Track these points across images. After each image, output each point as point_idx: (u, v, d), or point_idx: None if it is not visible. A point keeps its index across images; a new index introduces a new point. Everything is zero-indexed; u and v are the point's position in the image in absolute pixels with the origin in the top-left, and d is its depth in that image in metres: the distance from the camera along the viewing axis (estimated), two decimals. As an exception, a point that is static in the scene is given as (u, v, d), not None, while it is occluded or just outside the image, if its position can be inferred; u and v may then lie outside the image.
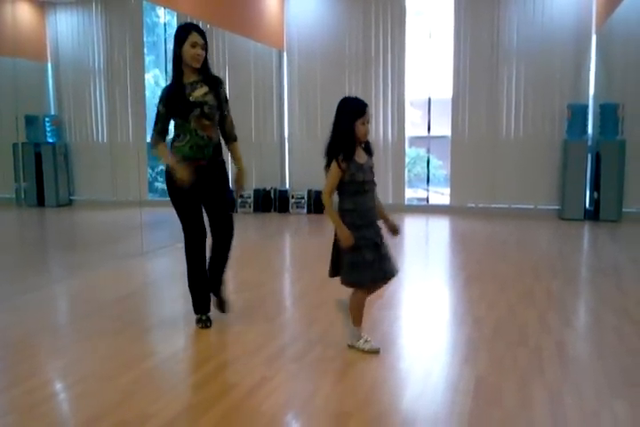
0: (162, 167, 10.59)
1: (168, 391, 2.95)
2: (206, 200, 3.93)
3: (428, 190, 9.68)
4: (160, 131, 3.93)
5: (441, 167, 10.84)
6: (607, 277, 5.17)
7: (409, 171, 9.75)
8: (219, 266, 4.08)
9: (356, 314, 3.45)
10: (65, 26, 9.85)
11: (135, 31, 9.65)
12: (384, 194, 9.36)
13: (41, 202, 9.06)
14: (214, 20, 8.19)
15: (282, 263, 6.27)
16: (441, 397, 2.90)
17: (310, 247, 6.70)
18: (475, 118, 9.03)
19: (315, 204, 9.02)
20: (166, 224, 8.76)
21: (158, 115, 3.90)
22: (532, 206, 8.90)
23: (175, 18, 9.77)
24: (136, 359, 3.37)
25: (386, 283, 3.43)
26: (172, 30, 10.01)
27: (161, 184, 10.67)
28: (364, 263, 3.27)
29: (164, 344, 3.70)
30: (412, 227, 8.32)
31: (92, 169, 9.82)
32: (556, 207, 8.68)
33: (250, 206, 9.42)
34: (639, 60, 7.94)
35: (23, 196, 8.17)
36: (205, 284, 4.00)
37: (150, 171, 10.23)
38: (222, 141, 4.01)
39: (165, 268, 5.98)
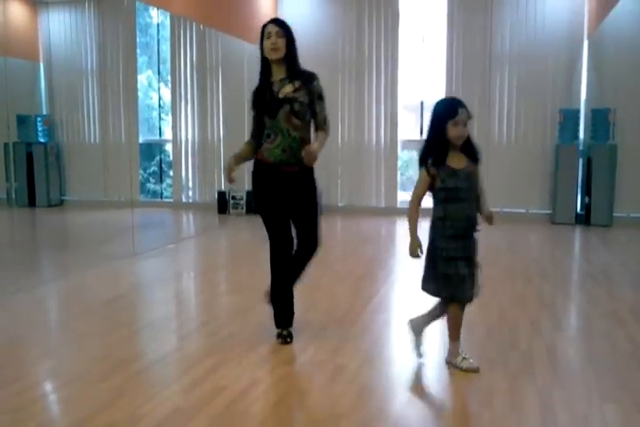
0: (154, 168, 10.59)
1: (158, 393, 2.93)
2: (294, 210, 3.62)
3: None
4: (252, 133, 3.73)
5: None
6: (598, 282, 5.19)
7: (401, 174, 9.76)
8: (290, 283, 3.77)
9: (453, 329, 3.22)
10: (57, 25, 9.82)
11: (128, 32, 9.63)
12: (377, 197, 9.39)
13: (32, 202, 9.01)
14: (207, 21, 8.19)
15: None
16: (431, 399, 2.90)
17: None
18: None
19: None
20: (157, 225, 8.75)
21: (252, 118, 3.69)
22: (523, 211, 8.92)
23: (168, 18, 9.77)
24: (126, 361, 3.35)
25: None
26: (165, 31, 10.01)
27: (152, 185, 10.65)
28: (458, 277, 3.08)
29: (154, 346, 3.68)
30: (405, 230, 8.31)
31: (83, 169, 9.79)
32: (548, 212, 8.71)
33: (242, 208, 9.41)
34: (630, 66, 7.99)
35: (14, 196, 8.13)
36: (289, 297, 3.73)
37: (142, 172, 10.20)
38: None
39: (156, 269, 5.96)
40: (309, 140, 3.59)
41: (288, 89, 3.53)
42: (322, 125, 3.63)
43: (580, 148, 8.45)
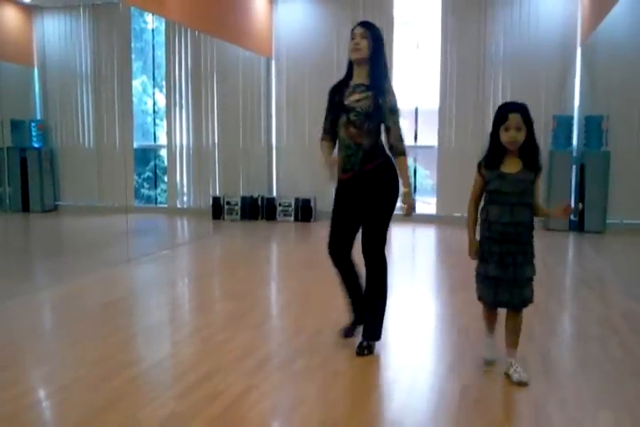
0: (149, 174, 10.58)
1: (153, 399, 2.93)
2: (358, 218, 3.53)
3: (414, 200, 9.67)
4: (324, 128, 3.65)
5: (428, 177, 10.89)
6: (591, 288, 5.21)
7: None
8: (366, 297, 3.66)
9: (486, 327, 3.38)
10: (52, 30, 9.83)
11: (123, 37, 9.64)
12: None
13: (26, 207, 9.00)
14: (203, 27, 8.21)
15: (268, 271, 6.26)
16: (426, 405, 2.91)
17: (297, 255, 6.70)
18: (461, 129, 9.09)
19: (301, 211, 9.03)
20: (152, 231, 8.74)
21: (326, 110, 3.64)
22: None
23: (163, 24, 9.78)
24: (122, 366, 3.35)
25: (513, 313, 3.19)
26: (160, 37, 10.03)
27: (147, 191, 10.64)
28: (486, 278, 3.14)
29: (149, 351, 3.68)
30: (399, 236, 8.34)
31: (77, 175, 9.79)
32: (541, 218, 8.73)
33: (237, 214, 9.41)
34: (624, 73, 8.03)
35: (8, 201, 8.12)
36: (356, 296, 3.72)
37: (136, 177, 10.20)
38: (385, 147, 3.53)
39: (151, 275, 5.95)
40: (369, 144, 3.45)
41: (355, 97, 3.48)
42: (397, 147, 3.46)
43: (574, 154, 8.50)
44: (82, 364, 3.41)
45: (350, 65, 3.58)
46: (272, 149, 9.86)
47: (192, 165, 9.92)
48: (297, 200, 9.17)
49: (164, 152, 10.18)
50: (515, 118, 3.00)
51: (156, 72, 10.43)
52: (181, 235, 9.14)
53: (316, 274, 5.58)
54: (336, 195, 3.63)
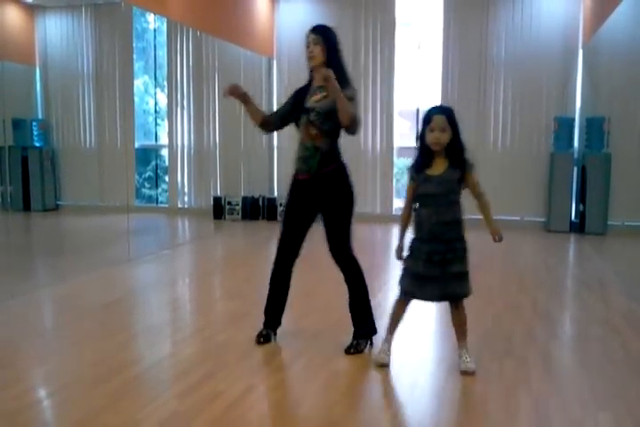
0: (150, 174, 10.57)
1: (154, 399, 2.93)
2: (322, 219, 3.58)
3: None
4: (273, 112, 3.78)
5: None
6: (592, 290, 5.21)
7: (397, 181, 9.78)
8: (352, 300, 3.72)
9: (390, 320, 3.45)
10: (54, 30, 9.83)
11: (124, 37, 9.64)
12: (372, 204, 9.40)
13: (27, 206, 9.00)
14: (204, 27, 8.21)
15: (269, 271, 6.25)
16: (427, 406, 2.91)
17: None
18: (462, 130, 9.07)
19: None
20: (153, 231, 8.74)
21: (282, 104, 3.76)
22: (518, 218, 8.94)
23: (165, 24, 9.78)
24: (123, 365, 3.35)
25: (455, 308, 3.36)
26: (162, 36, 10.03)
27: (148, 190, 10.65)
28: (414, 274, 3.24)
29: (150, 351, 3.68)
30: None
31: (79, 174, 9.79)
32: (542, 219, 8.74)
33: (238, 214, 9.41)
34: (625, 75, 8.03)
35: (9, 200, 8.11)
36: (277, 301, 3.78)
37: (138, 177, 10.20)
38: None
39: (152, 275, 5.95)
40: (327, 147, 3.49)
41: (314, 98, 3.54)
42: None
43: (575, 156, 8.50)
44: (82, 363, 3.41)
45: (311, 70, 3.65)
46: (273, 149, 9.86)
47: (193, 164, 9.92)
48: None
49: (165, 152, 10.18)
50: (438, 119, 3.11)
51: (158, 72, 10.43)
52: (182, 235, 9.15)
53: (316, 274, 5.58)
54: (291, 194, 3.68)
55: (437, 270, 3.17)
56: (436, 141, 3.11)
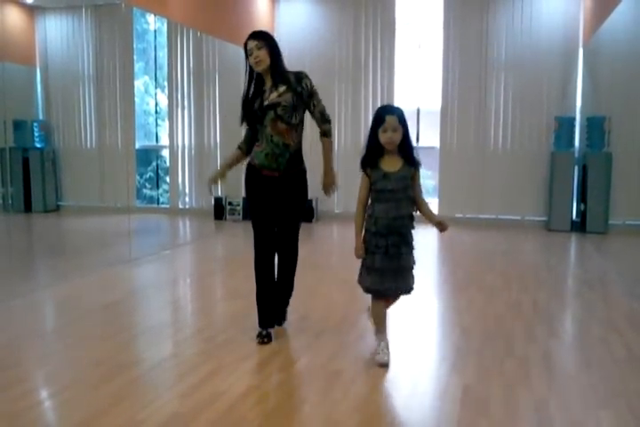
0: (150, 174, 10.58)
1: (156, 399, 2.93)
2: (277, 215, 3.79)
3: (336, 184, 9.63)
4: (244, 139, 3.94)
5: (429, 178, 10.89)
6: (593, 289, 5.21)
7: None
8: (280, 289, 3.92)
9: (373, 322, 3.55)
10: (54, 31, 9.83)
11: (125, 37, 9.63)
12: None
13: (28, 207, 8.99)
14: (204, 28, 8.22)
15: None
16: (428, 406, 2.90)
17: (298, 256, 6.67)
18: (463, 129, 9.09)
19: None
20: (154, 231, 8.74)
21: (245, 127, 3.89)
22: (519, 217, 8.95)
23: (165, 25, 9.78)
24: (124, 366, 3.35)
25: (394, 297, 3.52)
26: (162, 37, 10.03)
27: (149, 191, 10.65)
28: (373, 269, 3.34)
29: (151, 352, 3.68)
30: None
31: (80, 175, 9.77)
32: (543, 219, 8.74)
33: (239, 214, 9.41)
34: (625, 74, 8.02)
35: (10, 201, 8.12)
36: (270, 298, 3.84)
37: (139, 177, 10.20)
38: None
39: (153, 275, 5.96)
40: (296, 144, 3.74)
41: (274, 95, 3.65)
42: (321, 123, 3.79)
43: (576, 155, 8.50)
44: (83, 364, 3.41)
45: (257, 75, 3.73)
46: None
47: (194, 165, 9.92)
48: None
49: (165, 152, 10.17)
50: (391, 120, 3.24)
51: (158, 72, 10.43)
52: (183, 235, 9.15)
53: (317, 274, 5.59)
54: (256, 189, 3.79)
55: (395, 263, 3.32)
56: (390, 141, 3.25)
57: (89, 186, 9.75)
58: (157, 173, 10.60)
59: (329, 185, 3.86)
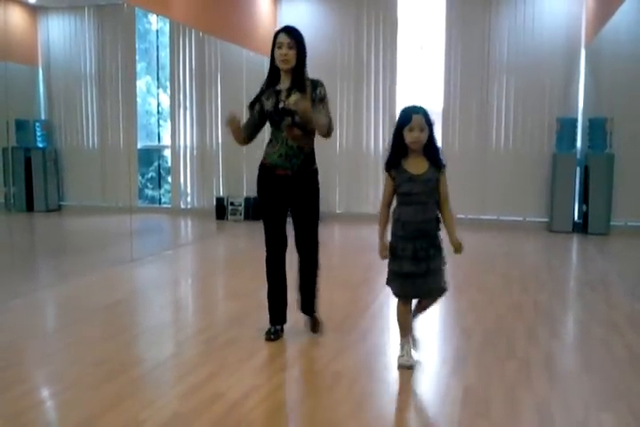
0: (152, 174, 10.58)
1: (157, 399, 2.94)
2: (292, 213, 3.80)
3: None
4: (245, 127, 3.80)
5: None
6: (595, 290, 5.21)
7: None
8: (306, 285, 3.88)
9: (399, 325, 3.43)
10: (57, 31, 9.84)
11: (127, 37, 9.64)
12: (375, 204, 9.37)
13: (30, 207, 9.00)
14: (207, 28, 8.21)
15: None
16: (429, 407, 2.90)
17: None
18: (465, 130, 9.09)
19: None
20: (155, 231, 8.75)
21: (251, 114, 3.80)
22: (520, 218, 8.94)
23: (167, 25, 9.79)
24: (125, 366, 3.35)
25: (430, 299, 3.39)
26: (165, 37, 10.03)
27: (150, 191, 10.66)
28: (400, 274, 3.26)
29: (152, 352, 3.68)
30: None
31: (81, 175, 9.79)
32: (545, 220, 8.73)
33: (240, 214, 9.41)
34: (628, 75, 8.02)
35: (12, 201, 8.12)
36: (280, 295, 3.85)
37: (140, 177, 10.20)
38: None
39: (154, 275, 5.96)
40: (310, 147, 3.73)
41: (291, 100, 3.60)
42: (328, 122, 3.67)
43: (578, 156, 8.49)
44: (84, 364, 3.41)
45: (274, 70, 3.72)
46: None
47: (196, 165, 9.92)
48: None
49: (167, 152, 10.17)
50: (418, 119, 3.15)
51: (160, 73, 10.43)
52: (185, 235, 9.15)
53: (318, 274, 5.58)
54: (269, 188, 3.76)
55: (423, 266, 3.23)
56: (417, 140, 3.17)
57: (91, 186, 9.76)
58: (159, 173, 10.60)
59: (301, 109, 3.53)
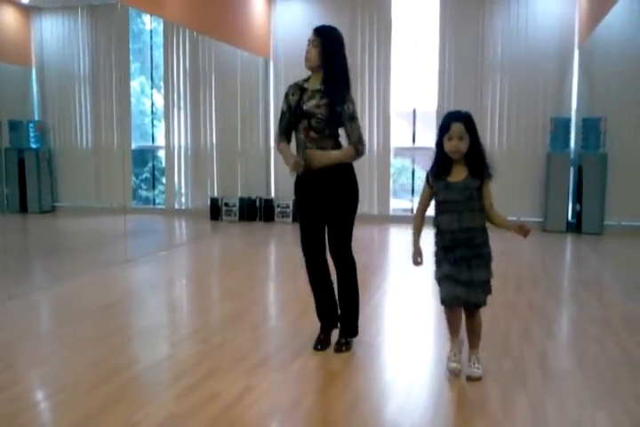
0: (147, 175, 10.56)
1: (152, 400, 2.93)
2: (324, 216, 3.60)
3: (412, 201, 9.71)
4: (281, 131, 3.66)
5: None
6: (589, 290, 5.22)
7: (394, 181, 9.79)
8: (341, 295, 3.69)
9: (447, 323, 3.33)
10: (50, 31, 9.82)
11: (121, 38, 9.62)
12: (369, 204, 9.39)
13: (24, 208, 8.98)
14: (201, 28, 8.20)
15: (266, 272, 6.27)
16: (425, 406, 2.91)
17: (295, 256, 6.67)
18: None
19: (299, 213, 8.99)
20: (150, 232, 8.74)
21: (281, 112, 3.67)
22: (514, 218, 8.92)
23: (161, 25, 9.77)
24: (120, 367, 3.34)
25: (464, 308, 3.23)
26: (158, 37, 10.02)
27: (145, 192, 10.64)
28: (443, 277, 3.16)
29: (147, 353, 3.68)
30: (397, 237, 8.36)
31: (75, 175, 9.77)
32: (539, 219, 8.75)
33: (235, 215, 9.41)
34: (621, 75, 8.05)
35: (5, 202, 8.11)
36: (327, 301, 3.71)
37: (134, 178, 10.18)
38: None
39: (149, 276, 5.95)
40: (329, 148, 3.52)
41: (313, 103, 3.49)
42: (357, 144, 3.53)
43: (571, 156, 8.51)
44: (79, 365, 3.40)
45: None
46: (270, 150, 9.85)
47: (190, 166, 9.91)
48: (295, 202, 9.16)
49: (162, 153, 10.16)
50: (457, 128, 3.04)
51: (154, 73, 10.41)
52: (179, 236, 9.14)
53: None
54: (300, 193, 3.67)
55: (465, 275, 3.10)
56: (455, 150, 3.06)
57: (85, 186, 9.74)
58: (153, 174, 10.59)
59: (310, 155, 3.48)
